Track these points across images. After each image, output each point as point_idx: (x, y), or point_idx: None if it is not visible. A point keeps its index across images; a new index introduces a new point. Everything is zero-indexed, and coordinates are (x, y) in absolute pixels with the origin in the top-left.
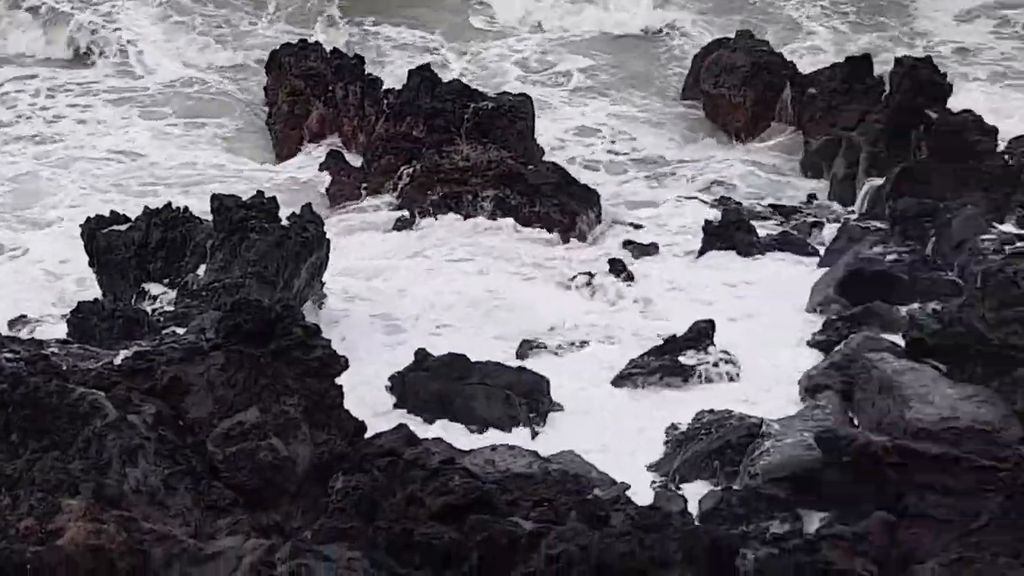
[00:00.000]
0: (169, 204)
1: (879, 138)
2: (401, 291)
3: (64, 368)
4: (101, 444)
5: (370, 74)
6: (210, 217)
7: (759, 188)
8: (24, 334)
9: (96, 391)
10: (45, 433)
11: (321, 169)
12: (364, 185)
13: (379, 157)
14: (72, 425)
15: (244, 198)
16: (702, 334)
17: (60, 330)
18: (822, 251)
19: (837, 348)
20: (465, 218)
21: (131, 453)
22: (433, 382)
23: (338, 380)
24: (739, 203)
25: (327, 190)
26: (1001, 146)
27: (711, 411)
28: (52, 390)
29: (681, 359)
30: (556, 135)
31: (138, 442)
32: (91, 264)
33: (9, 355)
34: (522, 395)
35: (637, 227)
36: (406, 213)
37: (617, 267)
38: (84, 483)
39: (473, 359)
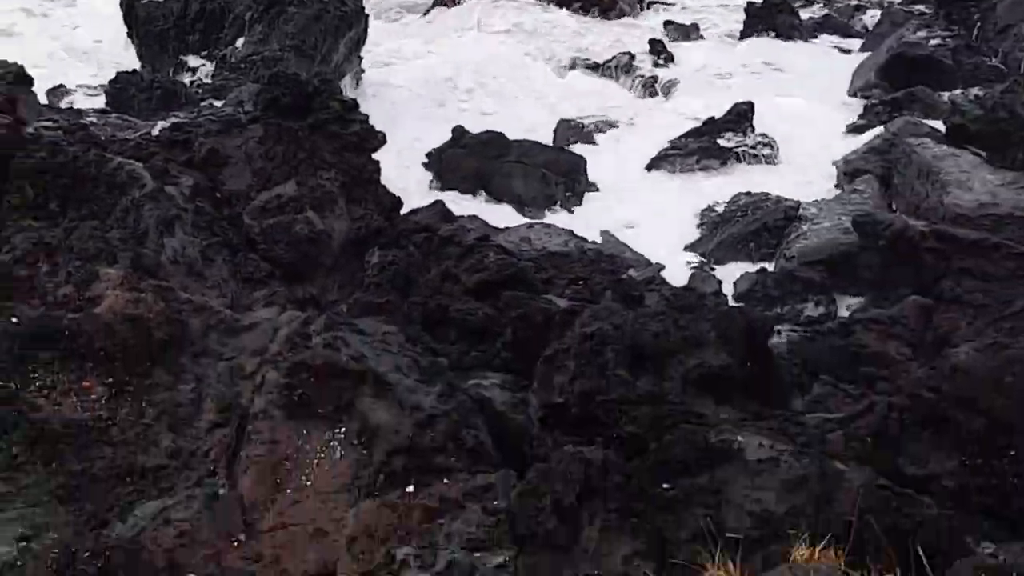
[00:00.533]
0: None
1: None
2: (440, 69)
3: (102, 138)
4: (139, 214)
5: None
6: None
7: None
8: (63, 104)
9: (134, 161)
10: (84, 202)
11: None
12: None
13: None
14: (110, 195)
15: None
16: (741, 116)
17: (98, 101)
18: (865, 35)
19: (877, 133)
20: None
21: (168, 224)
22: (470, 159)
23: (375, 155)
24: None
25: None
26: None
27: (748, 193)
28: (91, 159)
29: (719, 141)
30: None
31: (175, 213)
32: (129, 35)
33: (48, 124)
34: (559, 174)
35: (673, 6)
36: None
37: (657, 48)
38: (122, 252)
39: (510, 137)
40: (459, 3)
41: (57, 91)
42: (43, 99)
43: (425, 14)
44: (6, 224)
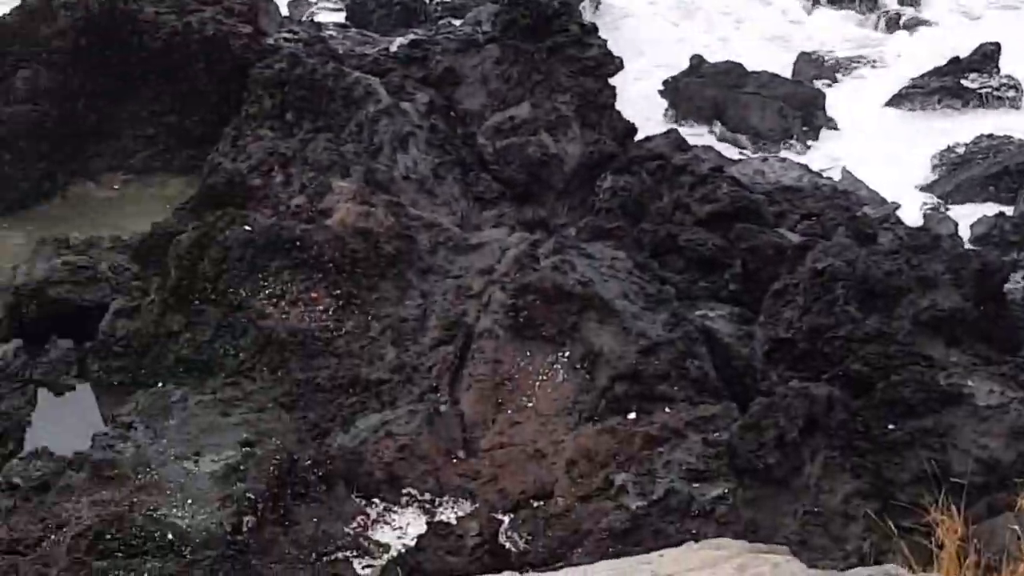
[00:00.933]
0: None
1: None
2: None
3: (341, 52)
4: (373, 129)
5: None
6: None
7: None
8: (303, 17)
9: (371, 76)
10: (319, 115)
11: None
12: None
13: None
14: (346, 108)
15: None
16: (987, 57)
17: (338, 16)
18: None
19: None
20: None
21: (403, 140)
22: (707, 89)
23: (611, 80)
24: None
25: None
26: None
27: (990, 136)
28: (328, 72)
29: (963, 82)
30: None
31: (410, 129)
32: None
33: (288, 36)
34: (797, 108)
35: None
36: None
37: None
38: (355, 166)
39: (749, 69)
40: None
41: (298, 3)
42: (284, 11)
43: None
44: (243, 133)
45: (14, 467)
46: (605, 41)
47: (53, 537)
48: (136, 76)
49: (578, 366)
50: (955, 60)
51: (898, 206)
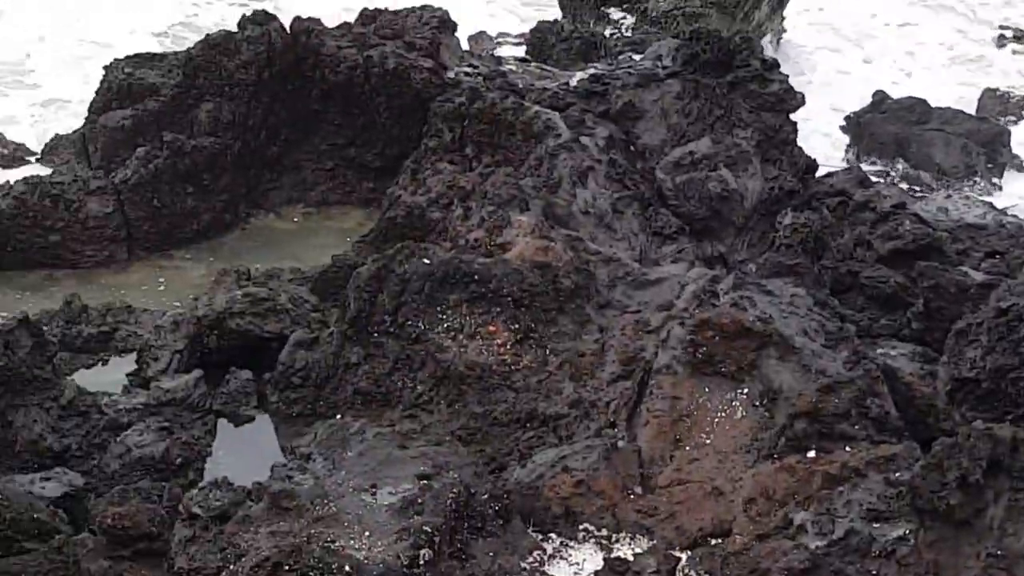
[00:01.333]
0: None
1: None
2: (864, 30)
3: (520, 86)
4: (553, 163)
5: None
6: None
7: None
8: (483, 51)
9: (551, 111)
10: (499, 148)
11: None
12: None
13: None
14: (526, 142)
15: None
16: None
17: (518, 50)
18: None
19: None
20: None
21: (582, 174)
22: (890, 125)
23: (792, 116)
24: None
25: None
26: None
27: None
28: (508, 107)
29: None
30: None
31: (589, 164)
32: None
33: (468, 70)
34: (981, 145)
35: None
36: None
37: None
38: (534, 200)
39: (932, 104)
40: None
41: (479, 38)
42: (464, 45)
43: None
44: (422, 166)
45: (194, 497)
46: (786, 76)
47: (232, 567)
48: (317, 109)
49: (757, 403)
50: None
51: None
